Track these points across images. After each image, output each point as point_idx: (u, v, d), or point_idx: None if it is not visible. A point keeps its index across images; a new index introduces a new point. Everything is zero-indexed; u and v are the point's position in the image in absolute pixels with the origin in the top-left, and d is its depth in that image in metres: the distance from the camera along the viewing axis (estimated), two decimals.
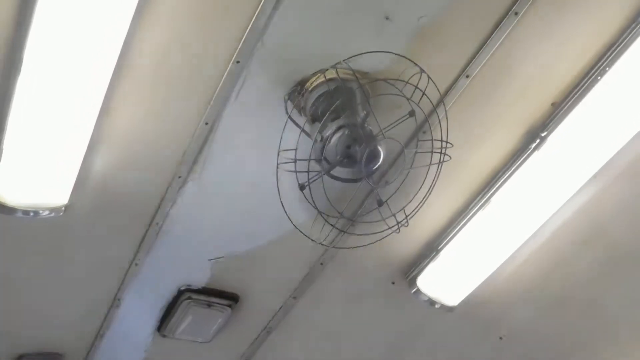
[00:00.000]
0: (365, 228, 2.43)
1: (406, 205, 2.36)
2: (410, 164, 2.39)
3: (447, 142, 2.28)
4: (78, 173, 2.46)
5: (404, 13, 2.24)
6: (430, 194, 2.32)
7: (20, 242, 2.76)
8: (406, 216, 2.33)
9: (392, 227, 2.33)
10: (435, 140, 2.31)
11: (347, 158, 2.22)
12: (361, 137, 2.20)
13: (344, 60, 2.19)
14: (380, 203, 2.26)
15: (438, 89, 2.29)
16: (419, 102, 2.25)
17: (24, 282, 2.98)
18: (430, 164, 2.31)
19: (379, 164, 2.21)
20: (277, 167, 2.29)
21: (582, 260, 2.89)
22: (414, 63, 2.22)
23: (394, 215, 2.33)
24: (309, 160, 2.26)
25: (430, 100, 2.28)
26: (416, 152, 2.41)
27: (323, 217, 2.31)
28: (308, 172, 2.23)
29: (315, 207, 2.27)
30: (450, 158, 2.32)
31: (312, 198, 2.26)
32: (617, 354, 3.11)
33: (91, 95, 2.22)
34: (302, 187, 2.24)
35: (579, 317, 3.07)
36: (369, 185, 2.27)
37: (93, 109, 2.27)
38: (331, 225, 2.35)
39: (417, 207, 2.33)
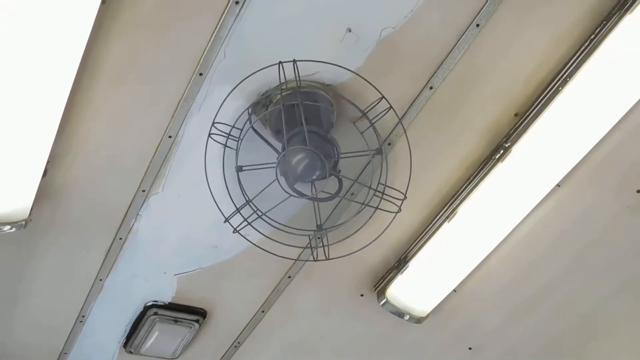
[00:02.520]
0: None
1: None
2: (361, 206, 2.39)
3: (404, 196, 2.35)
4: (38, 187, 2.41)
5: (366, 25, 2.25)
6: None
7: None
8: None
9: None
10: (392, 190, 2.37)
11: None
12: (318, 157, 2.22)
13: (295, 61, 2.18)
14: (319, 228, 2.27)
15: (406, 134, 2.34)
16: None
17: None
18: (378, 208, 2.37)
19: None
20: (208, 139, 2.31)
21: (547, 267, 2.92)
22: (376, 89, 2.26)
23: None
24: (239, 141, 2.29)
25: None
26: (364, 205, 2.40)
27: (252, 208, 2.33)
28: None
29: (245, 195, 2.28)
30: (401, 211, 2.38)
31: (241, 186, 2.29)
32: (587, 352, 3.13)
33: (50, 108, 2.19)
34: (239, 169, 2.26)
35: (546, 322, 3.09)
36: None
37: (52, 122, 2.23)
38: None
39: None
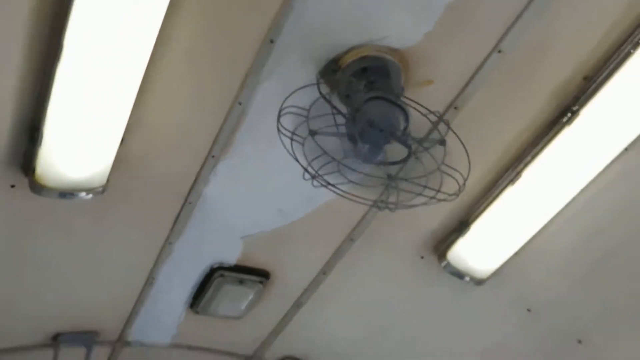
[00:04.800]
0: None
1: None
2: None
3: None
4: (115, 155, 2.50)
5: None
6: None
7: (58, 223, 2.81)
8: (464, 180, 2.36)
9: (452, 194, 2.36)
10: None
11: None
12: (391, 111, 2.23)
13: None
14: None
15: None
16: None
17: (61, 262, 3.04)
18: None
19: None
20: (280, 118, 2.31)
21: (612, 233, 2.90)
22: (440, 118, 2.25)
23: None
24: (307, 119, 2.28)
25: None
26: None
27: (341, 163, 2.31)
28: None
29: (325, 152, 2.29)
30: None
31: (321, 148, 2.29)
32: None
33: (129, 79, 2.26)
34: (312, 133, 2.26)
35: (608, 289, 3.08)
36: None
37: (131, 92, 2.30)
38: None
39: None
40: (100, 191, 2.59)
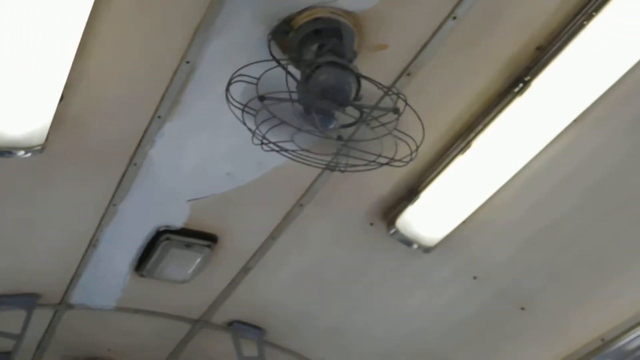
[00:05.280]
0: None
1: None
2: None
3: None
4: (55, 112, 2.40)
5: None
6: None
7: None
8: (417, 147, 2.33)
9: (404, 159, 2.33)
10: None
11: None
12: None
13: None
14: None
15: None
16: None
17: (0, 223, 2.93)
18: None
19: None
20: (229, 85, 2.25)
21: (558, 203, 2.94)
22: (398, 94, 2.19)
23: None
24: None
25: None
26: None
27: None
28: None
29: (275, 116, 2.23)
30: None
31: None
32: (592, 288, 3.20)
33: (67, 32, 2.15)
34: (262, 99, 2.19)
35: (553, 257, 3.14)
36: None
37: (70, 47, 2.19)
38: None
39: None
40: (39, 150, 2.49)
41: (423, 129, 2.33)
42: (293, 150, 2.37)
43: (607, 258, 3.04)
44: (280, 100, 2.22)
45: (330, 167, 2.49)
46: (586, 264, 3.10)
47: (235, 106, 2.26)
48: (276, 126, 2.29)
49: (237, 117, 2.29)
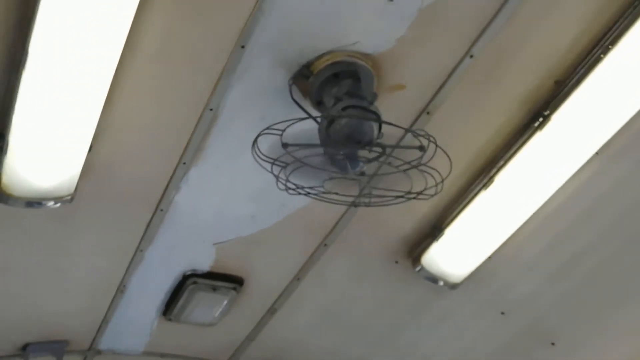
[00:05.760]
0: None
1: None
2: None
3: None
4: (84, 162, 2.45)
5: None
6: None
7: (27, 232, 2.75)
8: (442, 180, 2.31)
9: (426, 190, 2.31)
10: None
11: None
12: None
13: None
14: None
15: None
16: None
17: (30, 271, 2.98)
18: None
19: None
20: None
21: (581, 236, 2.93)
22: (429, 138, 2.20)
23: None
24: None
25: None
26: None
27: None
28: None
29: (300, 161, 2.24)
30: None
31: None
32: (618, 317, 3.16)
33: (95, 86, 2.21)
34: (285, 146, 2.20)
35: (578, 289, 3.12)
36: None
37: (98, 100, 2.25)
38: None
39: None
40: (69, 200, 2.54)
41: (450, 161, 2.31)
42: (318, 192, 2.39)
43: (631, 287, 3.01)
44: (304, 146, 2.24)
45: (355, 204, 2.49)
46: (612, 294, 3.08)
47: (265, 160, 2.28)
48: (299, 169, 2.32)
49: (264, 168, 2.31)
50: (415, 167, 2.25)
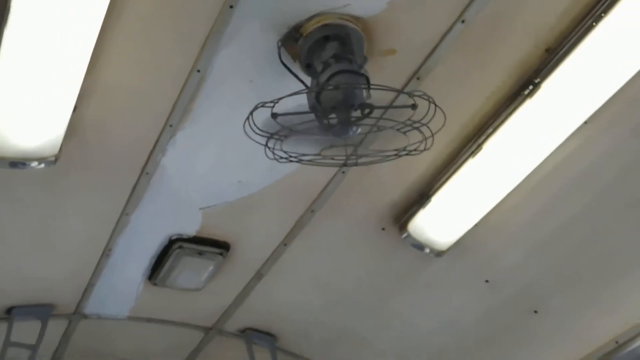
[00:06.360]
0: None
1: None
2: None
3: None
4: (68, 123, 2.41)
5: None
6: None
7: (10, 193, 2.72)
8: (432, 134, 2.28)
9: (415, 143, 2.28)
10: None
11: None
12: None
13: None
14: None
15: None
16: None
17: (15, 234, 2.95)
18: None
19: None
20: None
21: (569, 205, 2.94)
22: (427, 98, 2.16)
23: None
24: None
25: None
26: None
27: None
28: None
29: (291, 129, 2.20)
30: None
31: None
32: (603, 288, 3.18)
33: (80, 43, 2.16)
34: (275, 116, 2.18)
35: (565, 259, 3.13)
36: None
37: (82, 58, 2.21)
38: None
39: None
40: (53, 161, 2.51)
41: (445, 116, 2.25)
42: (308, 158, 2.37)
43: (619, 259, 3.03)
44: (293, 113, 2.20)
45: (346, 164, 2.47)
46: (598, 265, 3.09)
47: (261, 135, 2.24)
48: (290, 137, 2.29)
49: (256, 142, 2.28)
50: (406, 124, 2.23)
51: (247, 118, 2.21)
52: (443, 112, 2.21)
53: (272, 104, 2.17)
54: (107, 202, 2.92)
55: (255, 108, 2.21)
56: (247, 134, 2.24)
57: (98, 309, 3.65)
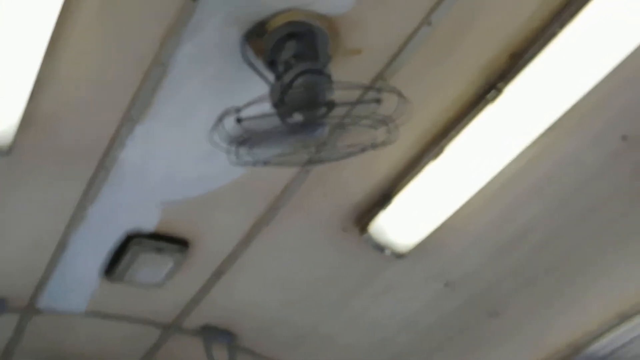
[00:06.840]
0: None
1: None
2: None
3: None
4: (23, 113, 2.34)
5: None
6: None
7: None
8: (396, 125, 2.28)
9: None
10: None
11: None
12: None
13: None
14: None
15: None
16: None
17: None
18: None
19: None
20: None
21: (531, 209, 2.97)
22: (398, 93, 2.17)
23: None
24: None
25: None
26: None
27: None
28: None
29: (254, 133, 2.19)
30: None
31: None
32: (562, 291, 3.22)
33: (36, 30, 2.10)
34: (239, 120, 2.17)
35: (525, 262, 3.17)
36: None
37: (39, 45, 2.14)
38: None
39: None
40: (6, 151, 2.44)
41: (411, 107, 2.26)
42: (275, 162, 2.35)
43: (578, 263, 3.08)
44: (262, 117, 2.19)
45: (311, 162, 2.45)
46: (557, 269, 3.13)
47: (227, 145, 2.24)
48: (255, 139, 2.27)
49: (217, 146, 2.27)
50: (372, 119, 2.22)
51: (215, 125, 2.19)
52: (410, 103, 2.21)
53: (237, 112, 2.15)
54: (63, 195, 2.85)
55: (223, 116, 2.18)
56: (213, 142, 2.21)
57: (52, 304, 3.57)
